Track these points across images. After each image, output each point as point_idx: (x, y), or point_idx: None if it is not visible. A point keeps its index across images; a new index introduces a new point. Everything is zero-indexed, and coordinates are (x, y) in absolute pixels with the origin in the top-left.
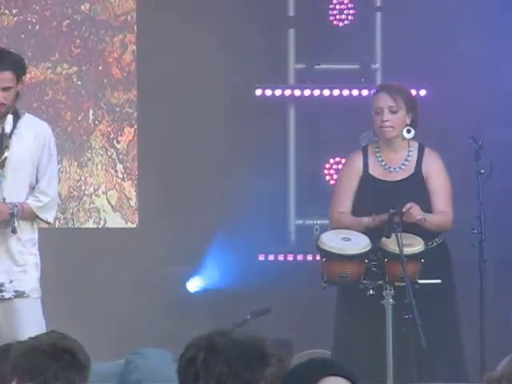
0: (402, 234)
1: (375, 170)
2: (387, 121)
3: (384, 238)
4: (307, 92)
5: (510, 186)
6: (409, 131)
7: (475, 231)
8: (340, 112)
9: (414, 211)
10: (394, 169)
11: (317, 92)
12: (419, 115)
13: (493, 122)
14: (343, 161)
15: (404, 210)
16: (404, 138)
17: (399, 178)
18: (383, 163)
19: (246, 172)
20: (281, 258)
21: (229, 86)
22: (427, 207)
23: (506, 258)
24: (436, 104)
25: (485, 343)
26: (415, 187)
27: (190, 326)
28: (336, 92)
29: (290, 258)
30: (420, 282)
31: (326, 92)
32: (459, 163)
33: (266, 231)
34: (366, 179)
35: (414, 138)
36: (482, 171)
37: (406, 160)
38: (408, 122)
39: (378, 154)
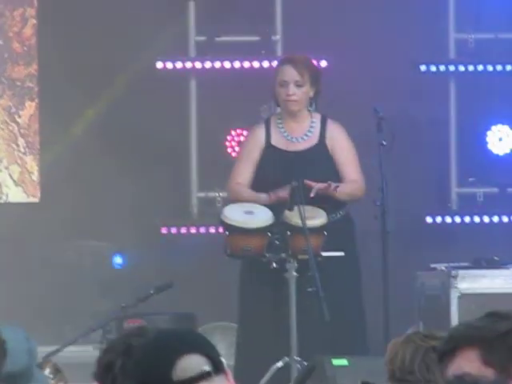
0: (305, 206)
1: (278, 141)
2: (293, 94)
3: (286, 211)
4: (208, 64)
5: (409, 157)
6: (311, 104)
7: (378, 203)
8: (241, 84)
9: (321, 184)
10: (297, 139)
11: (218, 64)
12: (321, 87)
13: (394, 93)
14: (245, 132)
15: (316, 189)
16: (307, 110)
17: (302, 148)
18: (285, 134)
19: (147, 145)
20: (184, 230)
21: (129, 59)
22: (331, 177)
23: (408, 229)
24: (337, 74)
25: (388, 313)
26: (319, 157)
27: (93, 301)
28: (237, 64)
29: (193, 230)
30: (323, 254)
31: (227, 64)
32: (361, 134)
33: (168, 204)
34: (269, 150)
35: (315, 110)
36: (384, 142)
37: (309, 131)
38: (312, 94)
39: (281, 125)
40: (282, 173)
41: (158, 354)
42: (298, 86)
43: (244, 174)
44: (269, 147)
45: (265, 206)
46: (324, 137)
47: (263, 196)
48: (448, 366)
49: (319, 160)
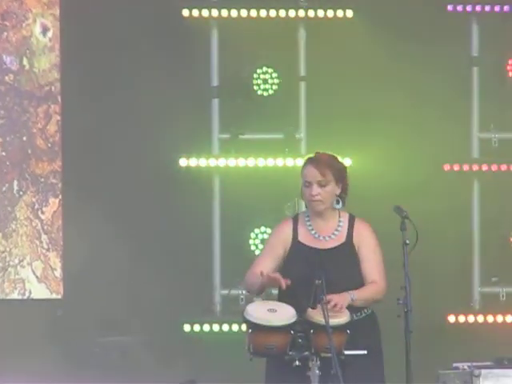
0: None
1: (305, 238)
2: (317, 195)
3: (309, 309)
4: (232, 162)
5: (432, 255)
6: (338, 202)
7: (401, 302)
8: (265, 182)
9: (339, 302)
10: (324, 238)
11: (241, 162)
12: (348, 183)
13: (417, 190)
14: (268, 230)
15: (329, 306)
16: (334, 209)
17: (329, 246)
18: (313, 232)
19: (171, 243)
20: (206, 328)
21: (153, 156)
22: (357, 277)
23: (430, 328)
24: (361, 173)
25: None
26: (345, 256)
27: None
28: (261, 162)
29: (216, 328)
30: (346, 353)
31: (251, 162)
32: (385, 233)
33: (191, 301)
34: (296, 246)
35: (343, 208)
36: (407, 241)
37: (337, 230)
38: (338, 192)
39: (308, 223)
40: (308, 268)
41: None
42: (322, 185)
43: (261, 265)
44: (296, 244)
45: (289, 304)
46: (351, 235)
47: (264, 277)
48: None
49: (345, 258)
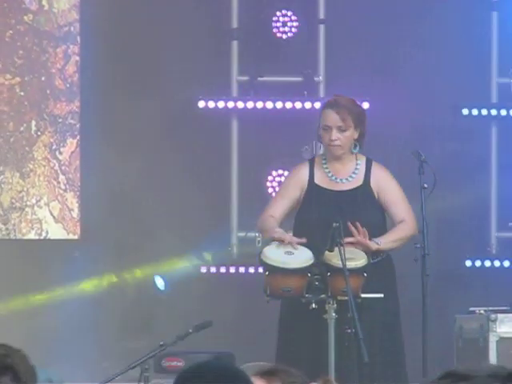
0: (345, 247)
1: (322, 181)
2: (336, 140)
3: (327, 252)
4: (250, 104)
5: (450, 200)
6: (355, 146)
7: (418, 246)
8: (283, 125)
9: (364, 242)
10: (341, 180)
11: (260, 104)
12: (366, 128)
13: (435, 136)
14: (286, 173)
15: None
16: (351, 152)
17: (346, 189)
18: (330, 174)
19: (188, 185)
20: (223, 270)
21: (172, 97)
22: (375, 220)
23: (447, 272)
24: (379, 117)
25: (427, 356)
26: (363, 198)
27: (127, 337)
28: (279, 104)
29: (233, 270)
30: (363, 296)
31: (269, 104)
32: (402, 177)
33: (208, 243)
34: (312, 188)
35: (360, 151)
36: (425, 185)
37: (354, 172)
38: (356, 136)
39: (325, 166)
40: (326, 211)
41: None
42: (341, 130)
43: (277, 208)
44: (312, 186)
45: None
46: (369, 179)
47: (277, 231)
48: None
49: (363, 201)
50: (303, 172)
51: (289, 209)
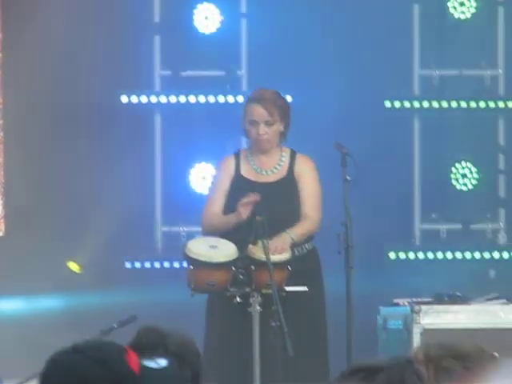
0: (269, 241)
1: (248, 172)
2: (264, 134)
3: (251, 246)
4: (173, 99)
5: (373, 192)
6: (281, 139)
7: (341, 238)
8: (206, 119)
9: (280, 246)
10: (266, 172)
11: (183, 99)
12: (290, 120)
13: (358, 129)
14: (209, 167)
15: (272, 251)
16: (277, 145)
17: (270, 180)
18: (255, 166)
19: (112, 179)
20: (147, 265)
21: (94, 92)
22: (297, 210)
23: (371, 264)
24: (302, 110)
25: (351, 348)
26: (286, 189)
27: (51, 333)
28: (202, 99)
29: (157, 265)
30: (287, 289)
31: (192, 99)
32: (326, 169)
33: (132, 239)
34: (238, 180)
35: (284, 143)
36: (348, 177)
37: (279, 164)
38: (282, 129)
39: (251, 158)
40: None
41: None
42: (269, 124)
43: (217, 202)
44: (239, 178)
45: (230, 240)
46: (293, 170)
47: (233, 216)
48: None
49: (287, 192)
50: (230, 164)
51: (225, 202)
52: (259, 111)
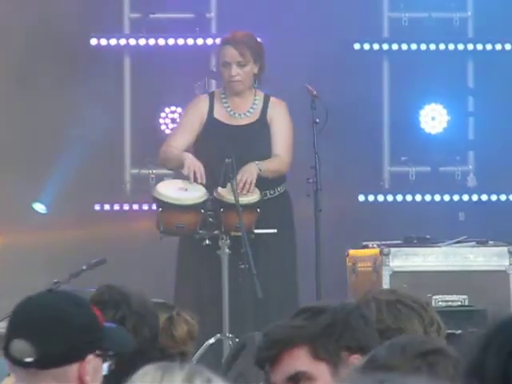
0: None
1: (221, 115)
2: (236, 75)
3: (220, 188)
4: (142, 41)
5: (343, 135)
6: (255, 81)
7: (311, 181)
8: (175, 61)
9: (248, 178)
10: (239, 115)
11: (152, 41)
12: (265, 63)
13: (327, 71)
14: (178, 110)
15: (240, 186)
16: (251, 87)
17: (244, 123)
18: (229, 109)
19: (81, 121)
20: (117, 207)
21: (64, 34)
22: (269, 153)
23: (341, 207)
24: (272, 52)
25: (321, 290)
26: (258, 132)
27: (25, 276)
28: (171, 41)
29: (126, 207)
30: (256, 231)
31: (161, 41)
32: (295, 112)
33: (101, 181)
34: (210, 122)
35: (259, 86)
36: (317, 120)
37: (252, 107)
38: (256, 71)
39: (224, 100)
40: (224, 146)
41: None
42: (241, 65)
43: (178, 139)
44: (211, 119)
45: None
46: (265, 113)
47: (180, 157)
48: (276, 369)
49: (258, 135)
50: (203, 104)
51: (190, 140)
52: (231, 52)
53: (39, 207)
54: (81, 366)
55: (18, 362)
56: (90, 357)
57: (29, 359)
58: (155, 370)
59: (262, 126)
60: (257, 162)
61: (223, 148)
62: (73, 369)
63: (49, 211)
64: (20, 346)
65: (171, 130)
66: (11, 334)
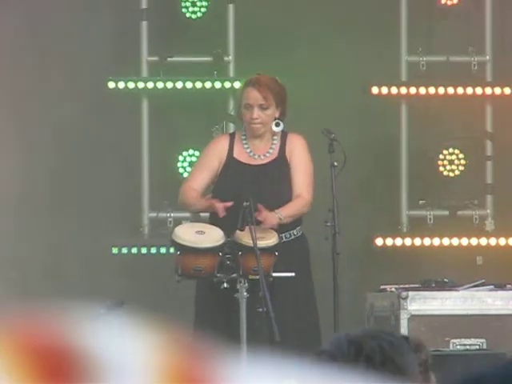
0: (256, 226)
1: (240, 155)
2: (257, 118)
3: (238, 231)
4: (160, 84)
5: (360, 179)
6: (277, 124)
7: (329, 224)
8: (193, 105)
9: (269, 221)
10: (259, 156)
11: (170, 84)
12: (287, 106)
13: (346, 115)
14: (196, 153)
15: (261, 219)
16: (271, 131)
17: (263, 163)
18: (248, 150)
19: (99, 166)
20: (134, 250)
21: (81, 78)
22: (289, 190)
23: (358, 251)
24: (288, 96)
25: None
26: (277, 170)
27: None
28: (189, 84)
29: (144, 251)
30: (274, 275)
31: (179, 84)
32: (313, 156)
33: (119, 224)
34: (230, 162)
35: (283, 130)
36: (335, 163)
37: (271, 148)
38: (277, 115)
39: (245, 142)
40: (243, 185)
41: None
42: (263, 109)
43: (198, 179)
44: (231, 159)
45: (217, 226)
46: (284, 150)
47: (204, 202)
48: None
49: (278, 172)
50: (223, 144)
51: (209, 179)
52: (254, 94)
53: None
54: None
55: None
56: None
57: None
58: None
59: (281, 162)
60: (277, 210)
61: (243, 187)
62: None
63: (65, 254)
64: None
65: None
66: None
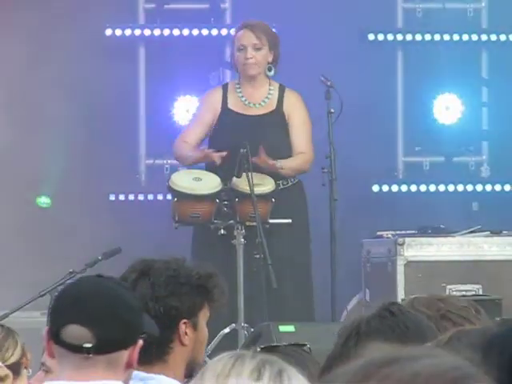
0: (253, 173)
1: (235, 105)
2: (251, 58)
3: (235, 178)
4: (157, 31)
5: (357, 125)
6: (270, 69)
7: (326, 171)
8: (190, 51)
9: (267, 160)
10: (254, 104)
11: (167, 31)
12: (280, 53)
13: (342, 62)
14: (193, 99)
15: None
16: (266, 76)
17: (259, 113)
18: (243, 99)
19: (95, 112)
20: (131, 197)
21: (78, 26)
22: (286, 145)
23: (355, 197)
24: (286, 43)
25: (335, 280)
26: (275, 123)
27: (38, 265)
28: (186, 31)
29: (141, 197)
30: (271, 221)
31: (176, 31)
32: (310, 102)
33: (116, 171)
34: (225, 113)
35: (273, 77)
36: (332, 110)
37: (267, 97)
38: (270, 59)
39: (239, 90)
40: (239, 135)
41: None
42: (257, 49)
43: (192, 134)
44: (226, 110)
45: (213, 172)
46: (282, 104)
47: (199, 154)
48: None
49: (275, 126)
50: (216, 96)
51: (202, 133)
52: (247, 35)
53: (44, 201)
54: (132, 350)
55: (74, 348)
56: (140, 341)
57: (87, 345)
58: (229, 357)
59: (278, 116)
60: (279, 160)
61: (239, 138)
62: (124, 353)
63: (63, 202)
64: (76, 331)
65: (186, 119)
66: (62, 320)
